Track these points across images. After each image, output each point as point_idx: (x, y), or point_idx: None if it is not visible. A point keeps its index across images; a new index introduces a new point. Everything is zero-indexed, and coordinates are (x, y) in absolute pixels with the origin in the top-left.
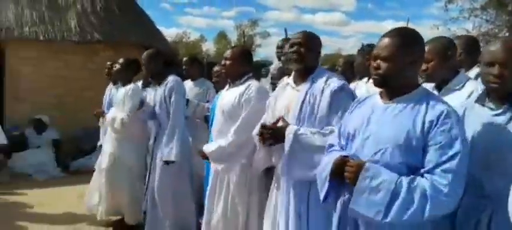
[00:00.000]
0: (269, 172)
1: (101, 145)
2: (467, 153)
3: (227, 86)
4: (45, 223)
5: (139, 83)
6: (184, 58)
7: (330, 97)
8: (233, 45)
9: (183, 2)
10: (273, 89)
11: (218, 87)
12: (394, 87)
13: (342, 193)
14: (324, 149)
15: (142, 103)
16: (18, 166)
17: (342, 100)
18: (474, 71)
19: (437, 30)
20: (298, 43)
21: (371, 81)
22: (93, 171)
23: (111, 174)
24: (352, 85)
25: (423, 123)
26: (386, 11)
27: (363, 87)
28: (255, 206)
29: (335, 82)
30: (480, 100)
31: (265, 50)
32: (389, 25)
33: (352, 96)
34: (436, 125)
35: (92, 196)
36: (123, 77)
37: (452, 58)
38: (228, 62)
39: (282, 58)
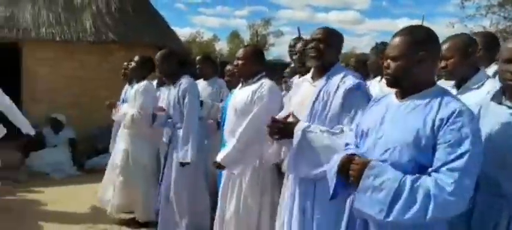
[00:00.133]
0: (282, 172)
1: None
2: (478, 152)
3: (240, 85)
4: (60, 221)
5: (154, 82)
6: (198, 57)
7: (344, 95)
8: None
9: (197, 1)
10: (286, 88)
11: (230, 86)
12: (407, 86)
13: (351, 192)
14: (331, 148)
15: (154, 116)
16: (35, 165)
17: (356, 99)
18: (492, 68)
19: (453, 28)
20: (317, 39)
21: (384, 80)
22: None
23: (125, 171)
24: None
25: (433, 121)
26: (401, 9)
27: (376, 86)
28: (267, 206)
29: (350, 80)
30: (496, 98)
31: (279, 49)
32: (404, 23)
33: (367, 95)
34: (446, 123)
35: (105, 192)
36: (138, 75)
37: (472, 56)
38: (240, 62)
39: (294, 57)
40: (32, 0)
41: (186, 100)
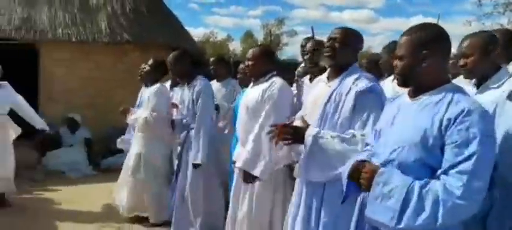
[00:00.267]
0: (293, 172)
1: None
2: (488, 153)
3: (251, 84)
4: (74, 219)
5: (168, 84)
6: (212, 58)
7: (355, 97)
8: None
9: (210, 2)
10: (297, 88)
11: (243, 84)
12: (415, 84)
13: (361, 194)
14: (342, 154)
15: (173, 122)
16: (52, 164)
17: (368, 102)
18: (511, 67)
19: (470, 26)
20: (334, 38)
21: None
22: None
23: (137, 173)
24: None
25: (441, 121)
26: (416, 7)
27: (389, 86)
28: (280, 204)
29: (363, 82)
30: None
31: (292, 49)
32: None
33: (381, 99)
34: (454, 123)
35: (119, 192)
36: (151, 78)
37: (493, 54)
38: (250, 62)
39: (305, 57)
40: (48, 2)
41: (200, 101)
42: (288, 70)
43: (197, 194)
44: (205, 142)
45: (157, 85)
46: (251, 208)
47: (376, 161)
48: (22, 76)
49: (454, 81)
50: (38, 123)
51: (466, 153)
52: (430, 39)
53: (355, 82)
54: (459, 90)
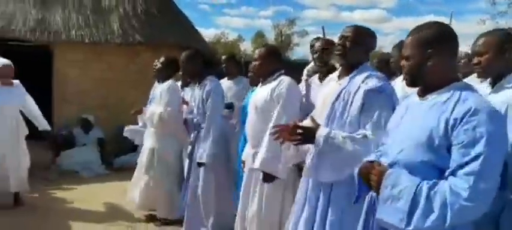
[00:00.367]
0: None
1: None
2: (495, 153)
3: (260, 83)
4: (86, 218)
5: (179, 83)
6: (223, 57)
7: (363, 96)
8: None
9: (221, 2)
10: (306, 88)
11: (253, 84)
12: (423, 84)
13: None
14: (353, 155)
15: (186, 121)
16: (65, 164)
17: (377, 101)
18: None
19: (484, 24)
20: (346, 36)
21: None
22: (136, 167)
23: (150, 169)
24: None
25: (447, 120)
26: (428, 6)
27: (400, 85)
28: (290, 202)
29: (373, 81)
30: None
31: (303, 49)
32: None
33: (391, 99)
34: (460, 123)
35: (133, 190)
36: (163, 75)
37: (508, 52)
38: (257, 62)
39: (314, 56)
40: (62, 4)
41: (209, 101)
42: (296, 70)
43: (208, 194)
44: (213, 142)
45: (170, 81)
46: (261, 207)
47: (385, 161)
48: (36, 77)
49: (466, 80)
50: (42, 124)
51: (473, 153)
52: (435, 38)
53: (364, 81)
54: (468, 88)
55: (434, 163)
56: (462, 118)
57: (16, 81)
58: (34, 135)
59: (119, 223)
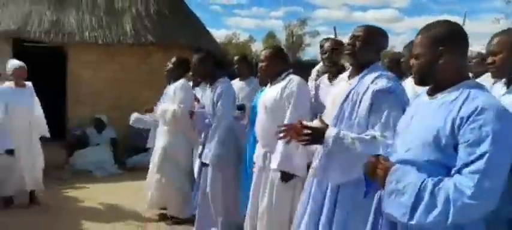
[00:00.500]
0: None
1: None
2: (501, 152)
3: (269, 84)
4: (99, 217)
5: (190, 83)
6: (235, 57)
7: (372, 97)
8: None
9: (232, 3)
10: (315, 88)
11: (262, 84)
12: (432, 83)
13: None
14: (362, 156)
15: (192, 113)
16: (79, 164)
17: (386, 102)
18: None
19: (498, 24)
20: (357, 36)
21: None
22: (148, 167)
23: (161, 168)
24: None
25: (454, 120)
26: (442, 6)
27: (410, 85)
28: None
29: (383, 82)
30: None
31: (315, 49)
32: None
33: (401, 100)
34: (466, 122)
35: (148, 190)
36: (175, 75)
37: None
38: (264, 64)
39: (323, 56)
40: (76, 6)
41: (219, 103)
42: (306, 70)
43: (216, 194)
44: (218, 143)
45: (182, 80)
46: (271, 206)
47: (392, 160)
48: (50, 78)
49: (478, 80)
50: (42, 129)
51: (478, 152)
52: (446, 36)
53: (374, 81)
54: (477, 86)
55: (442, 162)
56: (469, 117)
57: (28, 83)
58: (50, 134)
59: (131, 222)
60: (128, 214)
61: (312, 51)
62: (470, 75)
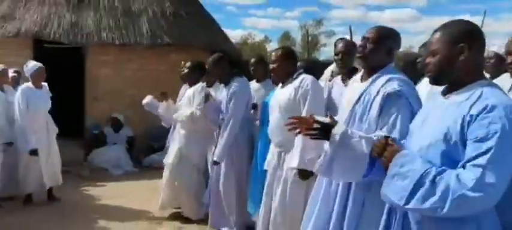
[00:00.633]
0: None
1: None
2: (507, 149)
3: (280, 84)
4: (115, 214)
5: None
6: (252, 60)
7: (382, 100)
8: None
9: (248, 3)
10: (328, 88)
11: (275, 83)
12: (449, 81)
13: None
14: (367, 156)
15: (207, 96)
16: (96, 161)
17: (395, 105)
18: None
19: None
20: (367, 38)
21: None
22: (164, 166)
23: (175, 168)
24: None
25: (464, 117)
26: (461, 5)
27: (426, 85)
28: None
29: (394, 85)
30: None
31: (331, 49)
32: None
33: (410, 102)
34: (476, 119)
35: (161, 190)
36: (192, 79)
37: None
38: (274, 65)
39: (335, 58)
40: (94, 8)
41: (232, 102)
42: (318, 69)
43: (229, 193)
44: (227, 142)
45: (200, 84)
46: (284, 201)
47: None
48: (69, 78)
49: (496, 80)
50: (54, 127)
51: (484, 147)
52: (466, 33)
53: (385, 84)
54: (491, 85)
55: (452, 159)
56: (479, 114)
57: (44, 83)
58: (67, 133)
59: (145, 220)
60: (144, 212)
61: (327, 51)
62: (487, 75)
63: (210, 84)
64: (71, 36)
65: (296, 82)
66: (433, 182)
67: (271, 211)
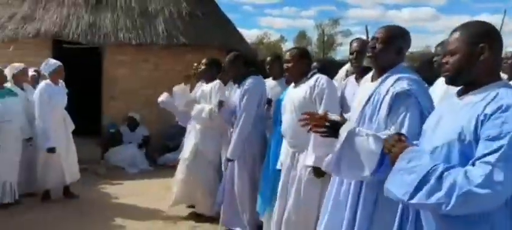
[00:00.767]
0: None
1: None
2: None
3: (293, 84)
4: (130, 212)
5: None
6: (268, 57)
7: (390, 100)
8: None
9: (264, 3)
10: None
11: (289, 82)
12: (466, 81)
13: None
14: (375, 154)
15: (221, 103)
16: (113, 160)
17: (404, 104)
18: None
19: None
20: (376, 38)
21: None
22: (177, 165)
23: (190, 164)
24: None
25: (478, 116)
26: (481, 4)
27: (442, 85)
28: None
29: (403, 84)
30: None
31: (348, 49)
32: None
33: (419, 102)
34: (490, 118)
35: (174, 187)
36: (208, 76)
37: None
38: (289, 64)
39: (350, 57)
40: (111, 9)
41: (244, 99)
42: (333, 69)
43: (243, 191)
44: (240, 138)
45: (217, 81)
46: (299, 200)
47: None
48: (87, 77)
49: None
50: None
51: (495, 146)
52: (486, 33)
53: (394, 84)
54: (507, 86)
55: (465, 155)
56: (493, 114)
57: (61, 81)
58: (85, 132)
59: (160, 219)
60: (158, 210)
61: (344, 51)
62: (505, 76)
63: (224, 83)
64: (88, 37)
65: (311, 82)
66: (440, 178)
67: (285, 211)
